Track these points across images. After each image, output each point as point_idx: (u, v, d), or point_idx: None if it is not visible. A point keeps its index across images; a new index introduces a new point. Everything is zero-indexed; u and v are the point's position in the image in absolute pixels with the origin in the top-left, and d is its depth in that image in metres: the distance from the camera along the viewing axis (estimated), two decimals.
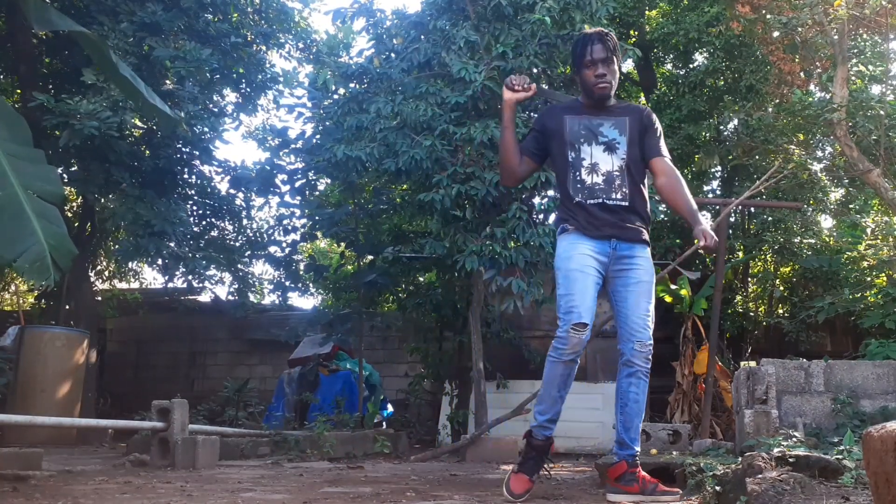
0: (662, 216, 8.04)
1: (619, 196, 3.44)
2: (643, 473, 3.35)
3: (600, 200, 3.42)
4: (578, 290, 3.27)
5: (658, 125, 3.60)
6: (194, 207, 9.22)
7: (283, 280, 9.67)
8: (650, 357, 3.35)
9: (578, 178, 3.45)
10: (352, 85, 7.06)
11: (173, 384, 10.36)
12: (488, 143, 6.10)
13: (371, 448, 6.64)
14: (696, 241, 3.37)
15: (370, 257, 8.50)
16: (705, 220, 3.45)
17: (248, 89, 9.32)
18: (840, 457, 3.07)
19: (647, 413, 8.31)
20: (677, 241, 10.64)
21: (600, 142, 3.47)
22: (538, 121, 3.67)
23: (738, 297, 11.06)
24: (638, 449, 3.41)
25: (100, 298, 10.57)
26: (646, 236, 3.49)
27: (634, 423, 3.39)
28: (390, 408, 9.24)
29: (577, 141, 3.47)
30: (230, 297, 10.05)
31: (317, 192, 8.87)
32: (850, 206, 10.30)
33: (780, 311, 10.83)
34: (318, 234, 8.73)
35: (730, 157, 10.38)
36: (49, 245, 3.87)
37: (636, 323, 3.34)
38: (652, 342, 3.34)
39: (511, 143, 3.56)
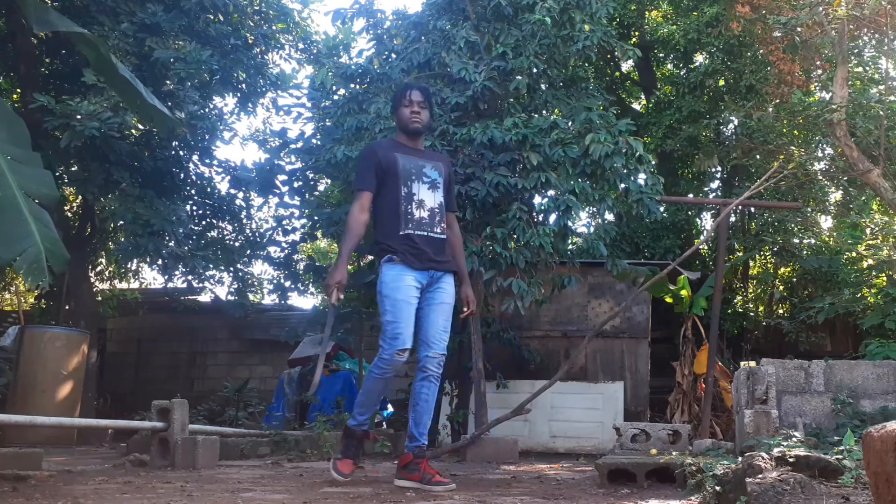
0: (663, 216, 8.04)
1: (438, 230, 3.98)
2: (426, 465, 3.82)
3: (426, 233, 3.93)
4: (404, 319, 3.78)
5: (453, 178, 4.27)
6: (194, 207, 9.22)
7: (282, 280, 9.67)
8: (441, 364, 3.94)
9: (409, 211, 3.93)
10: (352, 85, 7.06)
11: (173, 384, 10.36)
12: (488, 144, 6.09)
13: (371, 448, 6.64)
14: (464, 308, 4.10)
15: (370, 257, 8.50)
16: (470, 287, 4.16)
17: (249, 91, 9.32)
18: (840, 457, 3.07)
19: (654, 411, 8.33)
20: (677, 241, 10.66)
21: (425, 181, 3.99)
22: (372, 157, 4.02)
23: (738, 298, 11.06)
24: (424, 442, 3.93)
25: (100, 298, 10.56)
26: (454, 266, 4.05)
27: (423, 420, 3.93)
28: (390, 408, 9.23)
29: (408, 177, 3.95)
30: (230, 297, 10.05)
31: (316, 193, 8.87)
32: (850, 206, 10.31)
33: (780, 312, 10.83)
34: (318, 234, 8.73)
35: (730, 158, 10.39)
36: (45, 248, 3.87)
37: (433, 336, 3.91)
38: (445, 353, 3.97)
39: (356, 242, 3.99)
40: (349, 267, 10.82)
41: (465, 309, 4.12)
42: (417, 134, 4.07)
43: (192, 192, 9.09)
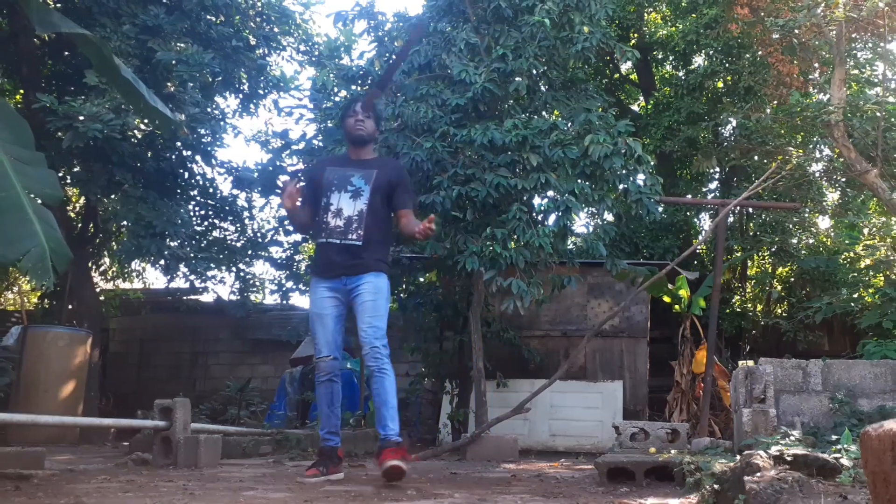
0: (662, 216, 8.06)
1: (354, 237, 4.14)
2: (387, 454, 3.89)
3: (339, 241, 4.14)
4: (320, 331, 4.17)
5: (406, 179, 4.40)
6: (196, 208, 9.23)
7: (284, 280, 9.70)
8: (378, 356, 4.05)
9: (325, 220, 4.17)
10: (353, 87, 7.09)
11: (175, 383, 10.39)
12: (488, 145, 6.12)
13: (372, 447, 6.66)
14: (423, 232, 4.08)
15: None
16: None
17: (251, 92, 9.33)
18: (838, 455, 3.10)
19: (653, 410, 8.36)
20: (676, 242, 10.68)
21: (348, 190, 4.20)
22: (307, 173, 4.44)
23: (736, 297, 11.09)
24: (387, 433, 3.99)
25: (102, 298, 10.58)
26: (374, 265, 4.16)
27: (380, 413, 4.06)
28: None
29: (329, 188, 4.21)
30: (232, 297, 10.06)
31: None
32: (848, 207, 10.33)
33: (778, 311, 10.86)
34: None
35: (728, 159, 10.41)
36: (49, 247, 3.90)
37: (363, 334, 4.08)
38: (379, 343, 4.05)
39: (295, 213, 4.28)
40: None
41: (420, 226, 4.11)
42: (361, 142, 4.31)
43: (195, 192, 9.11)
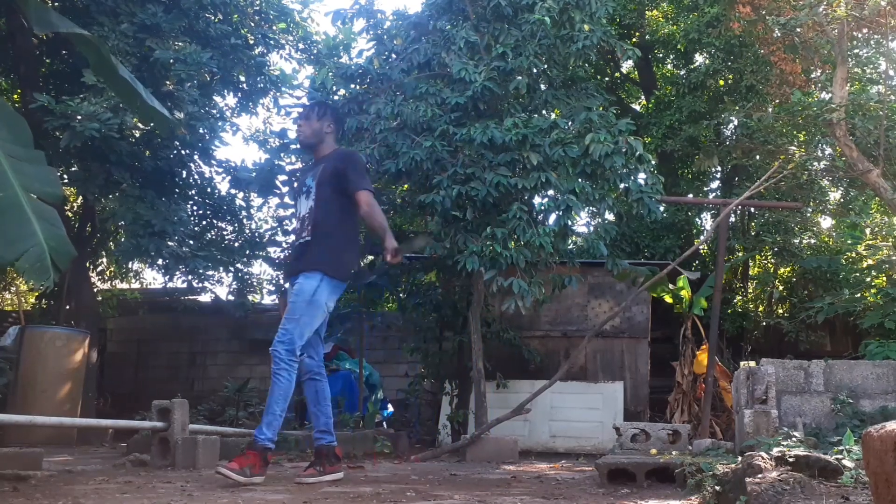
0: (663, 216, 8.04)
1: (305, 234, 4.21)
2: (249, 455, 3.87)
3: (297, 242, 4.28)
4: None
5: (355, 163, 4.35)
6: (194, 208, 9.21)
7: (282, 281, 9.67)
8: (275, 357, 4.01)
9: (293, 224, 4.28)
10: (352, 86, 7.06)
11: (173, 384, 10.35)
12: (488, 144, 6.10)
13: (371, 448, 6.64)
14: (386, 256, 4.14)
15: (370, 258, 8.50)
16: (388, 242, 4.17)
17: (249, 91, 9.31)
18: (840, 457, 3.07)
19: (654, 411, 8.33)
20: (677, 241, 10.66)
21: (304, 191, 4.31)
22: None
23: (738, 298, 11.06)
24: (257, 435, 3.96)
25: (100, 298, 10.56)
26: (309, 265, 4.12)
27: (268, 408, 4.02)
28: (390, 408, 9.24)
29: (297, 197, 4.36)
30: (230, 298, 10.04)
31: None
32: (850, 206, 10.31)
33: (780, 312, 10.84)
34: None
35: (730, 158, 10.39)
36: (49, 246, 3.88)
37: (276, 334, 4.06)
38: (280, 347, 3.98)
39: None
40: None
41: (385, 257, 4.20)
42: (306, 147, 4.50)
43: (193, 192, 9.08)
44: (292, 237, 4.40)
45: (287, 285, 4.32)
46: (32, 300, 11.92)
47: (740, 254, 10.58)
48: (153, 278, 13.33)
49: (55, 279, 3.96)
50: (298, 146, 4.53)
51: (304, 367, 4.17)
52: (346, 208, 4.25)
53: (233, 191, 9.48)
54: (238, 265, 9.43)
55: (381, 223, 4.28)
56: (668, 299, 8.33)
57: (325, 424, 4.22)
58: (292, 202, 4.45)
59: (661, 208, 6.91)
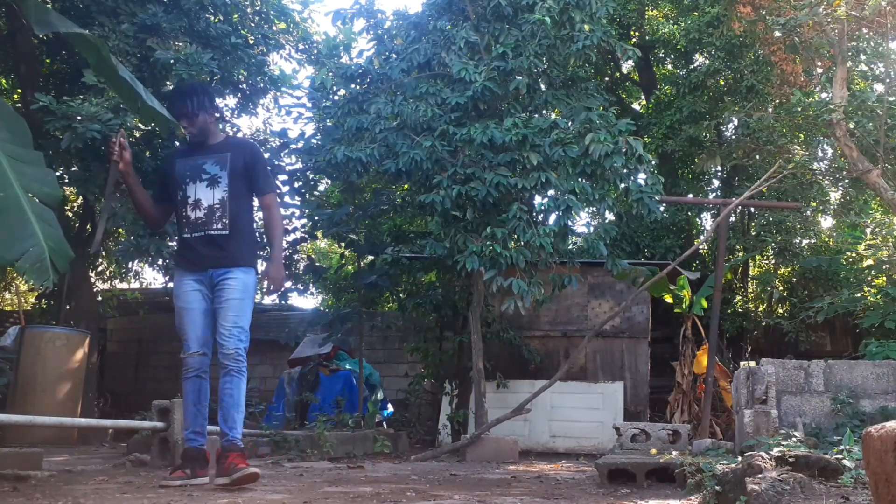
0: (663, 216, 8.04)
1: (219, 227, 3.95)
2: (234, 458, 3.76)
3: (203, 233, 3.95)
4: (187, 325, 3.94)
5: (263, 161, 4.20)
6: None
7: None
8: (238, 357, 3.88)
9: (185, 214, 3.98)
10: (352, 86, 7.06)
11: (173, 384, 10.29)
12: (488, 144, 6.10)
13: (371, 448, 6.65)
14: (266, 281, 4.04)
15: (370, 258, 8.50)
16: (276, 264, 4.04)
17: (249, 91, 9.31)
18: (840, 456, 3.07)
19: (654, 411, 8.34)
20: (677, 241, 10.66)
21: (203, 178, 3.99)
22: (160, 167, 4.21)
23: (738, 298, 11.06)
24: (234, 435, 3.86)
25: (100, 298, 10.56)
26: (242, 259, 3.98)
27: (230, 415, 3.89)
28: (390, 408, 9.24)
29: (183, 180, 4.01)
30: None
31: (317, 193, 8.86)
32: (850, 206, 10.31)
33: (780, 312, 10.83)
34: (319, 234, 8.73)
35: (731, 158, 10.39)
36: (48, 247, 3.87)
37: (223, 334, 3.89)
38: (239, 347, 3.88)
39: (141, 200, 4.15)
40: (350, 268, 10.84)
41: (264, 285, 4.10)
42: (198, 143, 4.07)
43: None
44: (187, 225, 3.97)
45: (189, 277, 3.96)
46: (32, 300, 11.93)
47: (740, 254, 10.58)
48: (153, 278, 13.33)
49: (54, 280, 3.96)
50: (190, 142, 4.11)
51: (194, 364, 3.92)
52: (251, 206, 4.16)
53: None
54: None
55: (280, 232, 4.21)
56: (668, 299, 8.33)
57: (202, 426, 3.99)
58: (178, 184, 3.99)
59: (661, 208, 6.91)
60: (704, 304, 8.05)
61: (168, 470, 4.01)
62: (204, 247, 3.94)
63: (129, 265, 11.40)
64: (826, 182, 10.35)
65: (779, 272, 11.25)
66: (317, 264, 9.64)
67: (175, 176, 4.03)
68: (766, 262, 11.62)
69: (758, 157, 9.97)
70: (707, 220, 11.98)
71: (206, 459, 3.96)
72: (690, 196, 11.19)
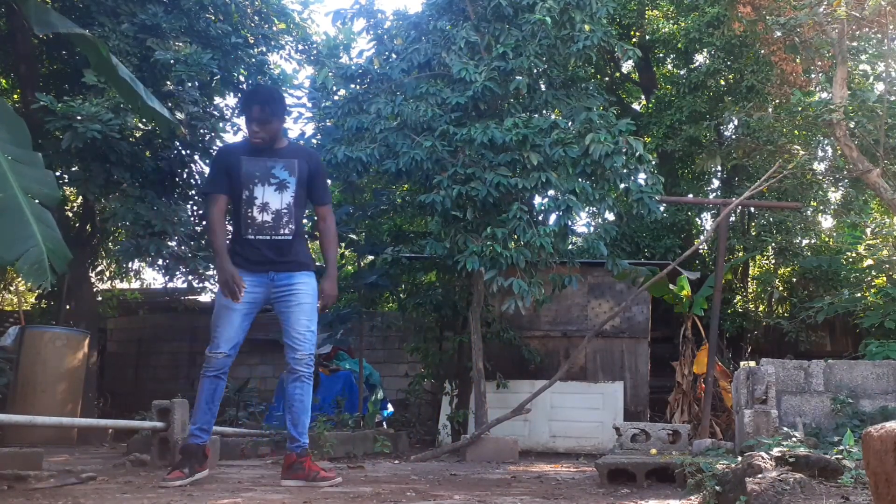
0: (663, 216, 8.03)
1: (286, 231, 3.97)
2: (310, 463, 3.89)
3: (269, 237, 3.95)
4: (225, 323, 3.92)
5: (323, 170, 4.24)
6: (195, 208, 9.21)
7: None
8: (311, 363, 3.97)
9: (250, 215, 3.95)
10: (352, 86, 7.06)
11: (173, 384, 10.35)
12: (488, 144, 6.10)
13: (371, 448, 6.64)
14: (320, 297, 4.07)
15: (370, 258, 8.50)
16: (332, 281, 4.14)
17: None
18: (840, 457, 3.08)
19: (654, 411, 8.33)
20: (677, 241, 10.66)
21: (271, 183, 3.98)
22: (220, 160, 4.10)
23: (738, 298, 11.06)
24: (305, 442, 3.95)
25: (100, 298, 10.56)
26: (307, 264, 4.09)
27: (301, 420, 3.95)
28: (390, 408, 9.23)
29: (251, 181, 3.96)
30: None
31: None
32: (850, 206, 10.31)
33: (780, 312, 10.83)
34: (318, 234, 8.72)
35: (731, 158, 10.39)
36: (47, 248, 3.87)
37: (297, 337, 3.96)
38: (312, 352, 3.98)
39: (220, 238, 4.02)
40: (350, 268, 10.84)
41: (319, 301, 4.10)
42: (263, 148, 4.03)
43: (193, 192, 9.09)
44: (251, 227, 3.93)
45: (246, 277, 3.89)
46: (32, 300, 11.92)
47: (740, 254, 10.58)
48: (153, 278, 13.33)
49: (52, 281, 3.96)
50: (253, 146, 4.03)
51: (217, 364, 3.92)
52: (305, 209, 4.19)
53: None
54: None
55: (335, 245, 4.24)
56: (669, 299, 8.33)
57: (209, 424, 3.99)
58: (245, 184, 3.92)
59: (661, 208, 6.91)
60: (704, 304, 8.05)
61: (167, 470, 4.00)
62: (269, 250, 3.94)
63: (129, 265, 11.41)
64: (826, 182, 10.35)
65: (779, 272, 11.25)
66: (317, 264, 9.63)
67: (241, 175, 3.96)
68: (766, 262, 11.61)
69: (758, 157, 9.97)
70: (707, 220, 11.99)
71: (205, 456, 3.97)
72: (690, 196, 11.19)
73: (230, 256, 3.93)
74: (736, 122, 10.80)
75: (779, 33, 8.24)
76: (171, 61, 7.37)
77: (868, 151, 7.57)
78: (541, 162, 6.04)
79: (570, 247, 7.08)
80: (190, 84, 7.67)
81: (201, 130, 8.21)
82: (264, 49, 9.29)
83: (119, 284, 12.45)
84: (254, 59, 8.66)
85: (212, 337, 3.96)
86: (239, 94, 9.40)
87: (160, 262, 8.12)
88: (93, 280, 10.37)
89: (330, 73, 6.96)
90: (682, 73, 11.67)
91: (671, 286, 8.13)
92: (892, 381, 4.68)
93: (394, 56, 7.07)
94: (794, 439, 3.84)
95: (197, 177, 9.14)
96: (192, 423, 3.99)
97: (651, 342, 8.74)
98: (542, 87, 7.03)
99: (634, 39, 11.39)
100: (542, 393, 6.82)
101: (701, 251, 10.53)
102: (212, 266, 8.91)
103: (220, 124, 8.65)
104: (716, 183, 12.17)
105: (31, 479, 3.70)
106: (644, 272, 7.39)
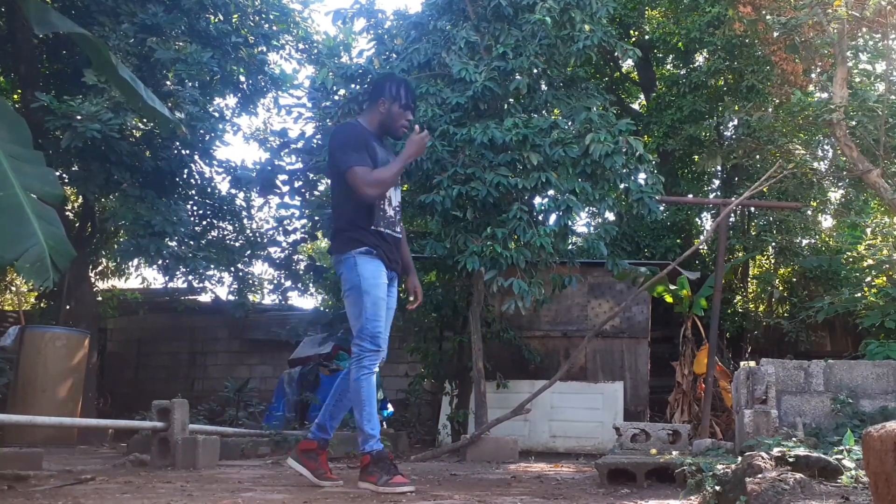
0: (663, 216, 8.03)
1: (398, 230, 3.90)
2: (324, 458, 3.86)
3: (391, 232, 3.84)
4: (382, 317, 3.72)
5: None
6: (195, 207, 9.22)
7: (282, 280, 9.68)
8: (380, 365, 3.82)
9: (382, 207, 3.79)
10: (352, 86, 7.07)
11: (173, 384, 10.37)
12: (488, 144, 6.10)
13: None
14: (410, 297, 4.03)
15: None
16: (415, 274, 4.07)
17: (249, 91, 9.32)
18: (840, 457, 3.07)
19: (654, 411, 8.33)
20: (677, 241, 10.66)
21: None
22: (360, 139, 3.79)
23: (738, 298, 11.06)
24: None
25: (100, 298, 10.56)
26: (406, 270, 4.01)
27: (340, 416, 3.96)
28: (390, 408, 9.24)
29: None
30: (230, 297, 10.05)
31: (317, 193, 8.86)
32: (850, 206, 10.31)
33: (780, 312, 10.84)
34: (319, 234, 8.73)
35: (731, 158, 10.39)
36: (48, 246, 3.88)
37: (386, 338, 3.79)
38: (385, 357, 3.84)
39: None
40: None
41: (412, 299, 4.04)
42: (382, 138, 3.94)
43: (193, 192, 9.10)
44: (382, 220, 3.78)
45: (387, 271, 3.78)
46: (32, 300, 11.93)
47: (740, 254, 10.58)
48: (153, 278, 13.33)
49: (55, 279, 3.96)
50: (399, 136, 3.98)
51: (379, 362, 3.79)
52: None
53: (233, 191, 9.50)
54: (238, 265, 9.44)
55: (409, 254, 4.11)
56: (668, 299, 8.33)
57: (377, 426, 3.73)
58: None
59: (661, 208, 6.91)
60: (704, 304, 8.05)
61: (382, 480, 3.59)
62: (393, 245, 3.85)
63: (129, 265, 11.42)
64: (826, 182, 10.35)
65: (779, 272, 11.25)
66: (317, 264, 9.65)
67: (378, 163, 3.76)
68: (767, 262, 11.61)
69: (758, 156, 9.96)
70: (707, 220, 11.99)
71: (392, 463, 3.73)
72: (690, 196, 11.19)
73: (365, 246, 3.70)
74: (736, 122, 10.79)
75: (778, 33, 8.23)
76: (171, 60, 7.38)
77: (868, 151, 7.57)
78: (541, 162, 6.04)
79: (570, 247, 7.08)
80: (190, 83, 7.68)
81: (201, 130, 8.22)
82: (264, 48, 9.30)
83: (119, 284, 12.46)
84: (254, 59, 8.67)
85: (366, 329, 3.66)
86: (238, 94, 9.41)
87: (160, 261, 8.13)
88: (93, 280, 10.38)
89: (330, 73, 6.95)
90: (681, 72, 11.66)
91: (671, 286, 8.14)
92: (892, 380, 4.68)
93: (394, 56, 7.07)
94: (794, 439, 3.84)
95: (197, 177, 9.15)
96: (371, 428, 3.66)
97: (651, 342, 8.74)
98: (542, 87, 7.03)
99: (634, 39, 11.39)
100: (542, 393, 6.82)
101: (701, 251, 10.53)
102: (212, 266, 8.92)
103: (220, 124, 8.66)
104: (716, 183, 12.17)
105: (32, 479, 3.70)
106: (644, 272, 7.39)
